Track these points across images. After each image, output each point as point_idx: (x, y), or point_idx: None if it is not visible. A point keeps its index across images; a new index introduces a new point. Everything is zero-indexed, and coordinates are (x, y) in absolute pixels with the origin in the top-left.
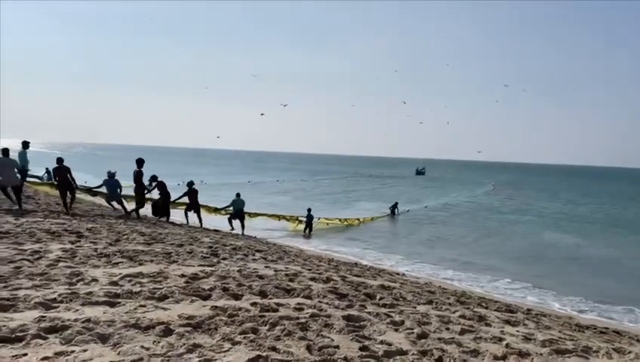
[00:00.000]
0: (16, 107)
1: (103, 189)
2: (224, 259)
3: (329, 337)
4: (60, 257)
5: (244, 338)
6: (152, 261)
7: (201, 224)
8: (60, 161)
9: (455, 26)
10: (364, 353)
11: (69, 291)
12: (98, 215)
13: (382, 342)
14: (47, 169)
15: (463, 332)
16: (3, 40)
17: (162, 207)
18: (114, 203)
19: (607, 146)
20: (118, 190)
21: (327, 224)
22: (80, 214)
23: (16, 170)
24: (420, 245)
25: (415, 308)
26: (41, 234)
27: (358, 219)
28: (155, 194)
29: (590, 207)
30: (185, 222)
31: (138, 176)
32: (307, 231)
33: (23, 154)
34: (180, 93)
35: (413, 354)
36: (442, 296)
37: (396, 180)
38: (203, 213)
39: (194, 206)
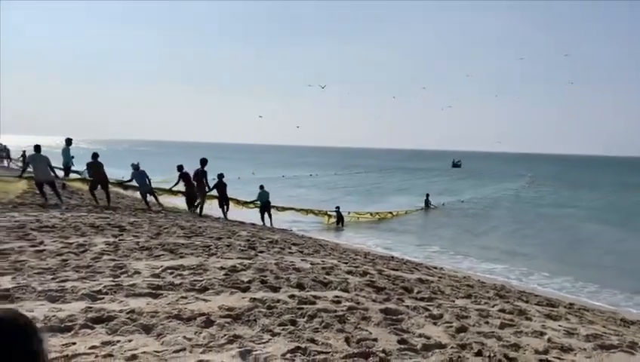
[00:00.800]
0: (61, 106)
1: (133, 183)
2: (261, 252)
3: (367, 330)
4: (104, 250)
5: (283, 329)
6: (192, 254)
7: (226, 216)
8: (94, 156)
9: (493, 16)
10: (402, 346)
11: (114, 283)
12: (139, 209)
13: (420, 336)
14: (87, 164)
15: (502, 326)
16: (50, 40)
17: (193, 196)
18: (148, 197)
19: None
20: (147, 180)
21: (358, 218)
22: (122, 208)
23: (48, 166)
24: (456, 239)
25: (453, 301)
26: (85, 228)
27: (390, 213)
28: (181, 186)
29: (633, 199)
30: (222, 216)
31: (201, 175)
32: (340, 224)
33: (66, 151)
34: (209, 88)
35: (452, 347)
36: (481, 289)
37: (431, 173)
38: (231, 205)
39: (223, 198)
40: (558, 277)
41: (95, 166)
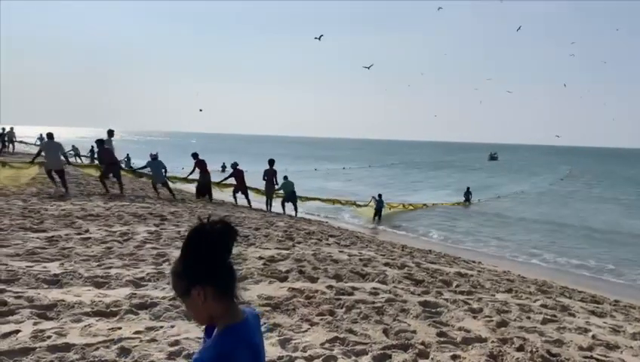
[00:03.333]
0: (104, 98)
1: (148, 171)
2: (299, 242)
3: (405, 322)
4: (147, 239)
5: (322, 319)
6: None
7: (250, 204)
8: (102, 142)
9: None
10: (441, 339)
11: (156, 271)
12: (179, 200)
13: (460, 329)
14: (127, 155)
15: (545, 321)
16: (97, 32)
17: (204, 185)
18: (159, 186)
19: None
20: (163, 171)
21: (390, 209)
22: (162, 199)
23: (60, 153)
24: (494, 233)
25: (494, 296)
26: (128, 218)
27: (425, 204)
28: (196, 174)
29: None
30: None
31: (270, 174)
32: (377, 218)
33: (108, 143)
34: (235, 79)
35: (492, 341)
36: (522, 284)
37: (468, 166)
38: (253, 195)
39: (241, 187)
40: (601, 273)
41: (105, 152)
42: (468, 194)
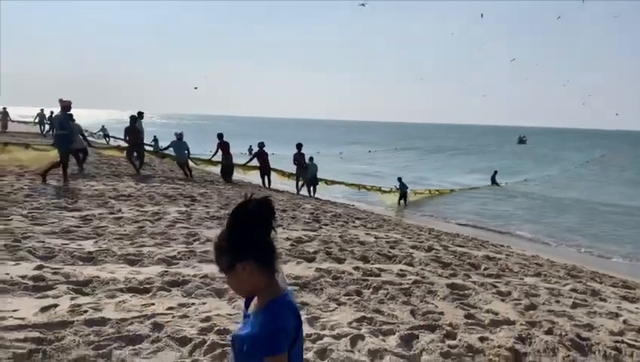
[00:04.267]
0: (134, 81)
1: (170, 151)
2: (325, 224)
3: (433, 303)
4: (177, 219)
5: (349, 299)
6: None
7: (269, 185)
8: (133, 119)
9: None
10: (469, 320)
11: (187, 249)
12: (208, 181)
13: (488, 311)
14: (154, 137)
15: (575, 305)
16: (141, 16)
17: (227, 167)
18: (185, 167)
19: None
20: (186, 152)
21: (415, 195)
22: (192, 180)
23: (80, 134)
24: (523, 217)
25: (522, 279)
26: (159, 198)
27: (452, 190)
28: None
29: None
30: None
31: (300, 158)
32: (402, 201)
33: (139, 124)
34: (275, 63)
35: (521, 324)
36: (551, 268)
37: (496, 150)
38: (278, 177)
39: (266, 168)
40: (632, 259)
41: (133, 132)
42: (495, 177)
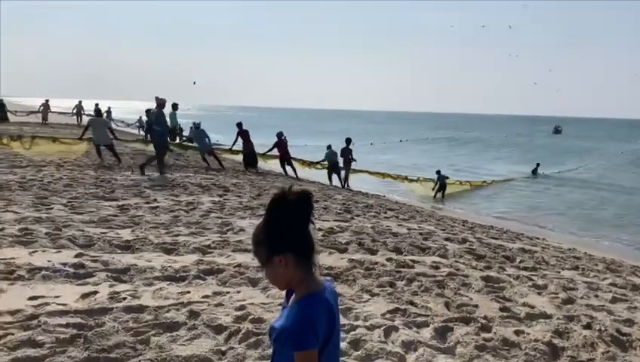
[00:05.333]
0: (168, 71)
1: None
2: (357, 215)
3: (467, 296)
4: (211, 208)
5: (382, 291)
6: None
7: (297, 175)
8: (148, 111)
9: None
10: (504, 313)
11: (221, 239)
12: (240, 171)
13: (524, 304)
14: (192, 126)
15: (614, 300)
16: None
17: (249, 155)
18: (208, 157)
19: None
20: (207, 140)
21: (452, 185)
22: (224, 170)
23: (107, 129)
24: (559, 209)
25: (559, 272)
26: (193, 188)
27: (485, 181)
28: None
29: None
30: (284, 173)
31: (346, 153)
32: (440, 194)
33: (173, 115)
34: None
35: (558, 318)
36: (589, 262)
37: (531, 141)
38: (297, 166)
39: (286, 158)
40: None
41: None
42: (536, 170)
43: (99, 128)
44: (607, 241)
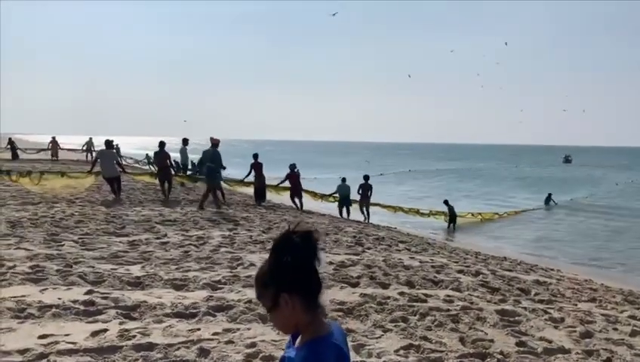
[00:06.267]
0: (169, 110)
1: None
2: (368, 248)
3: (482, 330)
4: (221, 243)
5: (395, 326)
6: None
7: (302, 208)
8: (162, 145)
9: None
10: (521, 348)
11: (231, 274)
12: (250, 205)
13: (541, 339)
14: (191, 161)
15: (634, 333)
16: (141, 41)
17: (259, 188)
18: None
19: None
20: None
21: (464, 216)
22: (234, 204)
23: (115, 161)
24: (573, 239)
25: (576, 305)
26: (203, 223)
27: (497, 213)
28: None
29: None
30: (294, 207)
31: (365, 189)
32: (452, 226)
33: (183, 151)
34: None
35: (577, 353)
36: (606, 294)
37: (542, 170)
38: (308, 198)
39: (296, 190)
40: None
41: (161, 156)
42: (549, 199)
43: (107, 161)
44: (624, 271)
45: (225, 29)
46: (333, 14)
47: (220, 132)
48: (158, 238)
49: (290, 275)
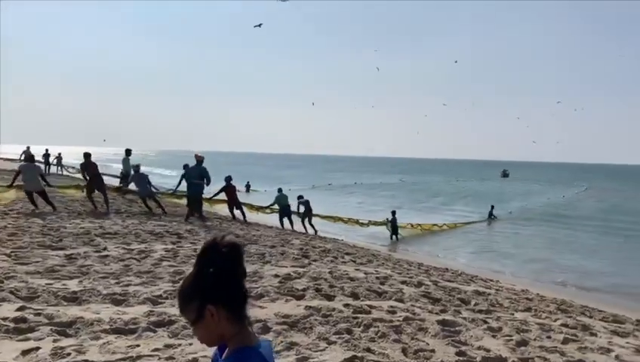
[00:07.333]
0: (119, 118)
1: (132, 186)
2: (315, 260)
3: (424, 341)
4: (164, 256)
5: (339, 338)
6: (247, 261)
7: (245, 219)
8: (87, 155)
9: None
10: (461, 358)
11: (173, 288)
12: (195, 217)
13: (479, 348)
14: (81, 165)
15: (566, 341)
16: (107, 54)
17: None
18: (150, 202)
19: None
20: (148, 186)
21: (407, 228)
22: (178, 216)
23: (39, 175)
24: (510, 251)
25: (513, 314)
26: (145, 235)
27: (436, 225)
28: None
29: None
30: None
31: (307, 204)
32: (394, 237)
33: (126, 161)
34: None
35: (513, 361)
36: (541, 303)
37: (482, 184)
38: (246, 210)
39: (234, 202)
40: (620, 292)
41: (90, 167)
42: (491, 212)
43: (30, 174)
44: (557, 282)
45: (149, 35)
46: (259, 25)
47: (172, 143)
48: (97, 251)
49: (216, 286)
